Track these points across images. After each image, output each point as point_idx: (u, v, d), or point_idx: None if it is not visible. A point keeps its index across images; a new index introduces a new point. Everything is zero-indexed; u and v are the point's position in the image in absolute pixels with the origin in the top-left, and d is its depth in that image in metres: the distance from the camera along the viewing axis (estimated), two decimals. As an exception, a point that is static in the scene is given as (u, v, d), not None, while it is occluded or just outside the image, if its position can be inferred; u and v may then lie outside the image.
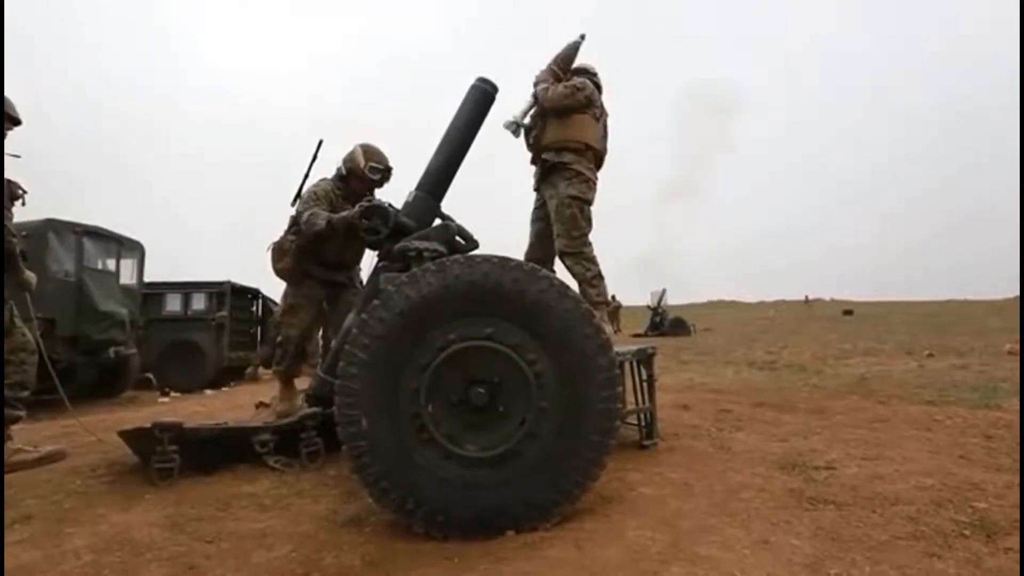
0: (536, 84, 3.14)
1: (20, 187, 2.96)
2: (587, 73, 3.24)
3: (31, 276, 2.98)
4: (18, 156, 3.00)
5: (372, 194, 3.30)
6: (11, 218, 2.85)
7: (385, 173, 3.44)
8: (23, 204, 3.00)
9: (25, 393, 2.84)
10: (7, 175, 2.84)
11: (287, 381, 3.48)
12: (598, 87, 3.23)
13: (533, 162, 3.26)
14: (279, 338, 3.57)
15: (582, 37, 3.19)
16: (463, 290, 1.89)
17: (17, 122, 2.90)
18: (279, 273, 3.43)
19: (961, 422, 3.10)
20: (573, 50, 3.20)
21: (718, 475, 2.31)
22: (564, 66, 3.18)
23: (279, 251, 3.38)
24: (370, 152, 3.42)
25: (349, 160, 3.42)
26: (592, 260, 3.00)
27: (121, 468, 2.62)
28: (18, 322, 2.89)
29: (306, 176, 3.49)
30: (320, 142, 3.53)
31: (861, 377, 5.39)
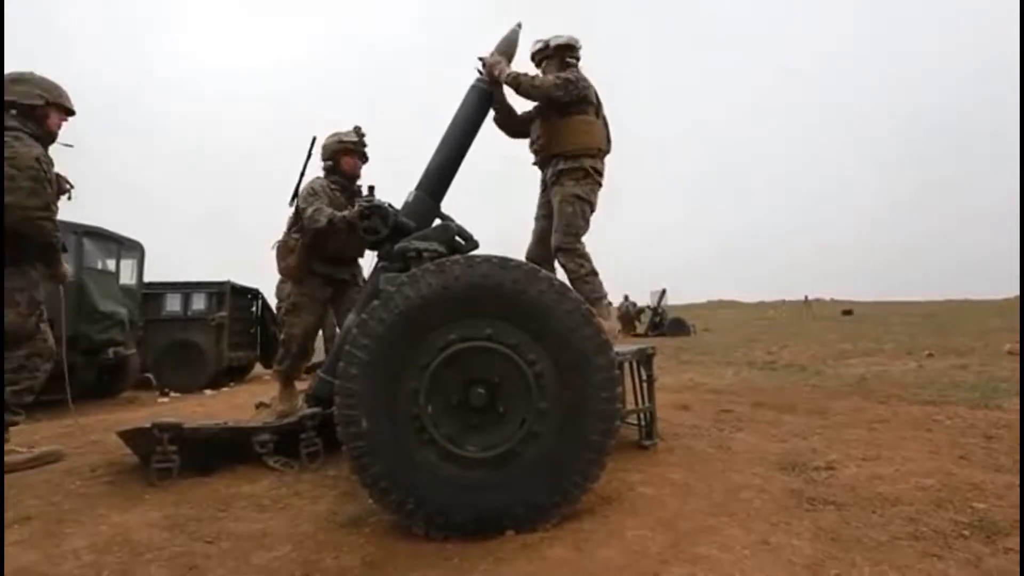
0: (492, 69, 2.88)
1: (67, 181, 2.91)
2: (573, 51, 3.12)
3: (68, 269, 3.00)
4: (70, 146, 2.99)
5: (372, 193, 3.32)
6: (57, 212, 2.78)
7: (357, 132, 3.57)
8: (69, 199, 2.95)
9: (30, 398, 2.81)
10: (57, 168, 2.80)
11: (287, 381, 3.48)
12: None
13: (536, 163, 3.22)
14: (281, 337, 3.58)
15: (519, 26, 3.05)
16: (463, 291, 1.88)
17: (71, 112, 2.92)
18: (284, 271, 3.44)
19: (961, 422, 3.11)
20: (514, 36, 3.02)
21: (718, 475, 2.31)
22: (510, 53, 2.98)
23: (284, 249, 3.39)
24: (332, 134, 3.57)
25: (327, 151, 3.54)
26: (585, 257, 2.98)
27: (121, 468, 2.61)
28: (43, 327, 2.84)
29: (302, 174, 3.49)
30: (314, 139, 3.54)
31: (861, 377, 5.40)
